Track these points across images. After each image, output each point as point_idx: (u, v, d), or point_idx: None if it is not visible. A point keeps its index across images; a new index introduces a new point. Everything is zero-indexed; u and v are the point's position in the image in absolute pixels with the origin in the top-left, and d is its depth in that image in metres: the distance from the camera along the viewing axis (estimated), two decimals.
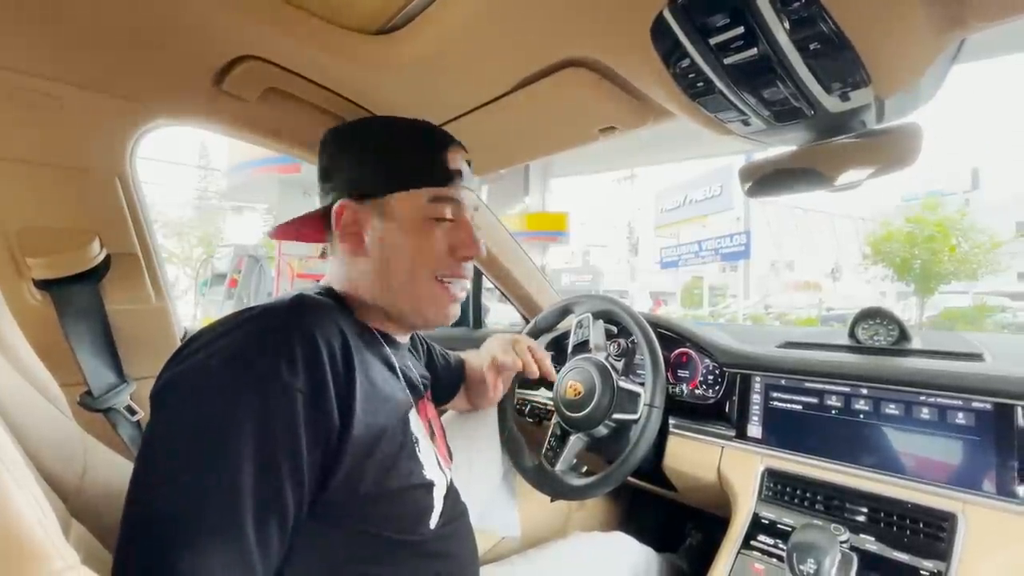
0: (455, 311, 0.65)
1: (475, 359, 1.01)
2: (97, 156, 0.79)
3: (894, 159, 0.64)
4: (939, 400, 0.75)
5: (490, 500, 1.04)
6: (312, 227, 0.66)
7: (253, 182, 11.40)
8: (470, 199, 0.64)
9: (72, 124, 0.75)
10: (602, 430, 0.96)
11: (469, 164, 0.66)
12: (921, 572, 0.66)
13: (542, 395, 1.21)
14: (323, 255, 0.69)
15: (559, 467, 0.97)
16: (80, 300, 0.80)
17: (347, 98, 0.83)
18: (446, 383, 0.96)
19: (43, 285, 0.78)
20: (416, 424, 0.59)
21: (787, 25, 0.49)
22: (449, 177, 0.61)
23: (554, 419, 1.05)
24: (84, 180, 0.79)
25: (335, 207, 0.59)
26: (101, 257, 0.82)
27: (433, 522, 0.58)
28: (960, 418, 0.73)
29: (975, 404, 0.72)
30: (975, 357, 0.82)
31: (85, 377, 0.80)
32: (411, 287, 0.60)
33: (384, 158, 0.60)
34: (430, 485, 0.58)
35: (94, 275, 0.82)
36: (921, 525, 0.70)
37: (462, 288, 0.65)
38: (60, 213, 0.79)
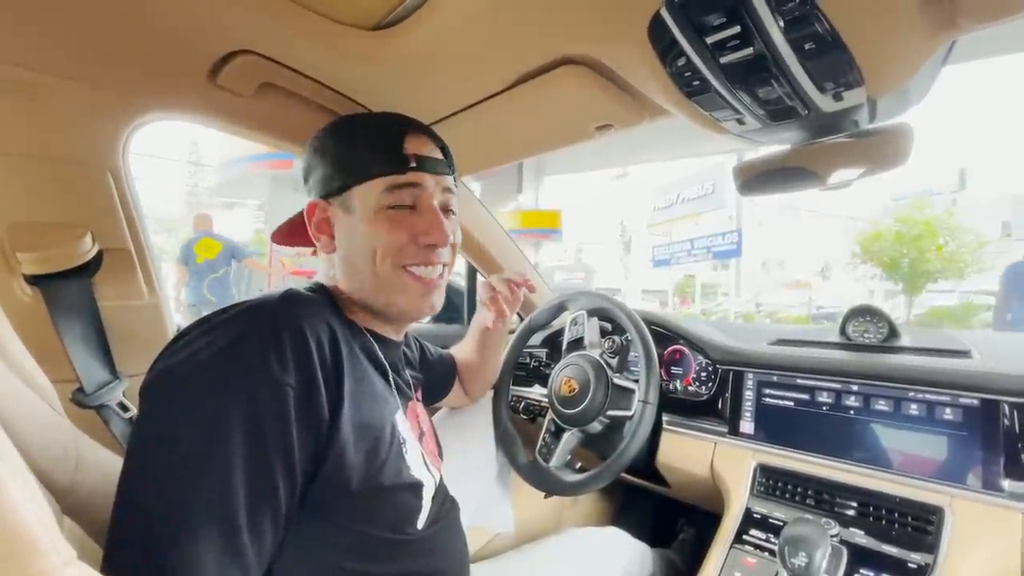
0: (434, 300, 0.63)
1: (460, 351, 1.03)
2: (89, 150, 0.78)
3: (886, 159, 0.65)
4: (927, 396, 0.76)
5: (484, 496, 1.04)
6: (303, 231, 0.66)
7: (244, 178, 11.28)
8: (438, 184, 0.61)
9: (64, 118, 0.74)
10: (596, 426, 0.96)
11: (444, 151, 0.64)
12: (909, 565, 0.68)
13: (536, 392, 1.22)
14: (315, 252, 0.69)
15: (553, 463, 0.98)
16: (71, 296, 0.79)
17: (343, 93, 0.83)
18: (440, 380, 0.96)
19: (34, 280, 0.77)
20: (403, 425, 0.59)
21: (782, 25, 0.49)
22: (404, 162, 0.58)
23: (548, 415, 1.05)
24: (76, 174, 0.78)
25: (306, 207, 0.61)
26: (93, 252, 0.81)
27: (421, 522, 0.58)
28: (947, 414, 0.74)
29: (962, 400, 0.74)
30: (963, 354, 0.83)
31: (77, 374, 0.80)
32: (377, 279, 0.59)
33: (343, 153, 0.60)
34: (418, 485, 0.58)
35: (86, 271, 0.81)
36: (909, 519, 0.72)
37: (436, 274, 0.63)
38: (51, 207, 0.78)
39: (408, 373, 0.72)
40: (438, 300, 0.64)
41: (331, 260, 0.62)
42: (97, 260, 0.82)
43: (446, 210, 0.63)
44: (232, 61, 0.72)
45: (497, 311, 0.90)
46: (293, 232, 0.69)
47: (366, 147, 0.59)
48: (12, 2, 0.59)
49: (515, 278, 0.92)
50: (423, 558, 0.59)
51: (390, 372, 0.62)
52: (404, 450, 0.57)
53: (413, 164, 0.59)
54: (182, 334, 0.48)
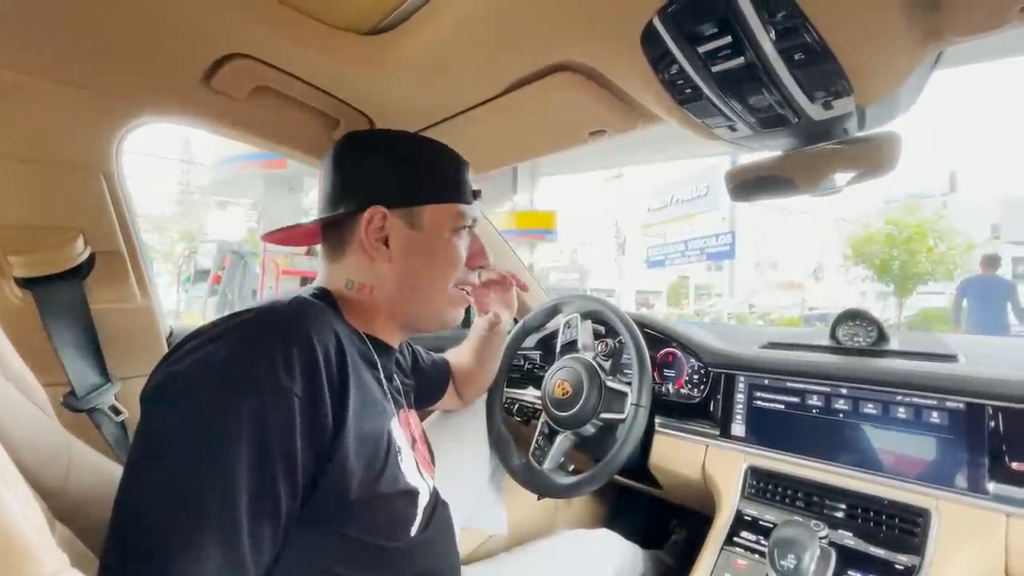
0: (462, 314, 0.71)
1: (456, 356, 1.03)
2: (82, 153, 0.78)
3: (875, 166, 0.67)
4: (915, 400, 0.78)
5: (478, 498, 1.05)
6: (304, 230, 0.65)
7: (237, 177, 11.19)
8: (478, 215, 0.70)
9: (57, 120, 0.74)
10: (589, 429, 0.97)
11: None
12: (896, 566, 0.69)
13: (530, 394, 1.22)
14: (309, 252, 0.69)
15: (547, 465, 0.98)
16: (63, 299, 0.79)
17: (337, 98, 0.83)
18: (433, 384, 0.96)
19: (25, 283, 0.77)
20: (398, 433, 0.60)
21: (773, 36, 0.50)
22: (473, 195, 0.67)
23: (542, 418, 1.06)
24: (68, 177, 0.78)
25: (367, 212, 0.59)
26: (85, 255, 0.80)
27: (414, 530, 0.59)
28: (934, 417, 0.76)
29: (949, 404, 0.75)
30: (950, 358, 0.84)
31: (68, 377, 0.79)
32: (434, 292, 0.65)
33: (420, 171, 0.63)
34: (414, 493, 0.58)
35: (78, 273, 0.80)
36: (897, 521, 0.73)
37: (470, 293, 0.71)
38: (43, 210, 0.77)
39: (401, 380, 0.72)
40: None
41: (372, 267, 0.61)
42: (89, 263, 0.82)
43: None
44: (226, 65, 0.72)
45: (496, 310, 0.92)
46: (287, 234, 0.68)
47: (441, 171, 0.65)
48: (4, 5, 0.59)
49: (505, 275, 0.92)
50: (416, 563, 0.59)
51: (386, 380, 0.63)
52: (399, 458, 0.58)
53: (475, 197, 0.67)
54: (188, 338, 0.47)
